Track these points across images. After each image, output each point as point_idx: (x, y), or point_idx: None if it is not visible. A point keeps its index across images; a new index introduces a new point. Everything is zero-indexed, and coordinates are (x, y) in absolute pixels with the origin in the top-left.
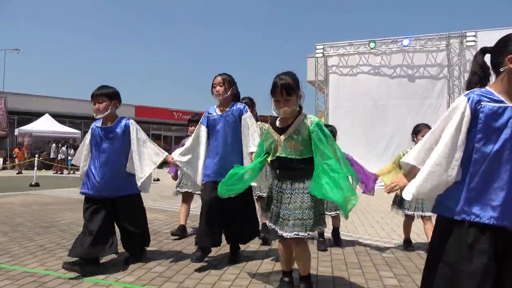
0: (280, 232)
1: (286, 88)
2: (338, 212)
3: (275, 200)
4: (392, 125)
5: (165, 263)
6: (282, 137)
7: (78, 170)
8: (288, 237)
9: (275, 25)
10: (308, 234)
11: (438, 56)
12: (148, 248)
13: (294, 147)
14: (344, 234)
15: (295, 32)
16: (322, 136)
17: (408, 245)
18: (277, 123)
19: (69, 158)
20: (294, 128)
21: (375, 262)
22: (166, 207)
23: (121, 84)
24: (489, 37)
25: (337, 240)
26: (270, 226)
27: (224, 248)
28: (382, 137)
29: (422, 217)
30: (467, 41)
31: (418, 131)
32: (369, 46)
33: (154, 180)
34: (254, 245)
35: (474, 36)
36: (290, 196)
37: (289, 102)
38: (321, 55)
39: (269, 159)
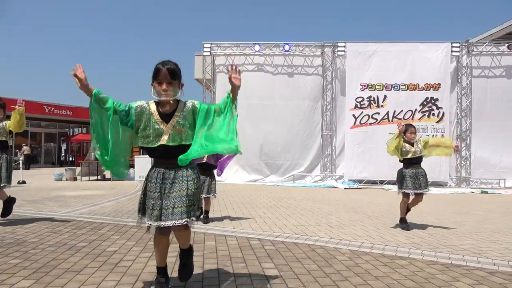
0: (165, 223)
1: (170, 71)
2: (208, 195)
3: (155, 193)
4: (275, 123)
5: (33, 275)
6: (170, 124)
7: None
8: (177, 224)
9: (161, 19)
10: (192, 220)
11: (315, 62)
12: (11, 260)
13: (183, 133)
14: (228, 230)
15: (182, 29)
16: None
17: (403, 223)
18: (160, 109)
19: None
20: (180, 113)
21: (258, 255)
22: (33, 212)
23: None
24: (356, 48)
25: (207, 219)
26: (149, 223)
27: None
28: (265, 135)
29: (416, 194)
30: (338, 50)
31: (406, 130)
32: (254, 48)
33: (18, 182)
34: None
35: (344, 46)
36: (172, 184)
37: (172, 85)
38: (208, 53)
39: (141, 145)
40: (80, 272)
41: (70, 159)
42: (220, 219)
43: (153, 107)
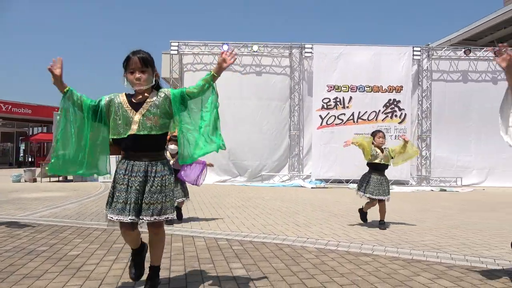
0: (125, 218)
1: (143, 59)
2: (184, 198)
3: (122, 185)
4: (243, 122)
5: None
6: (140, 112)
7: None
8: (155, 221)
9: (127, 17)
10: (168, 217)
11: (283, 62)
12: None
13: (153, 122)
14: (196, 231)
15: (149, 27)
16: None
17: (362, 215)
18: (132, 99)
19: None
20: (151, 101)
21: (226, 255)
22: None
23: None
24: (322, 50)
25: (179, 217)
26: (110, 217)
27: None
28: (233, 135)
29: (379, 200)
30: (305, 52)
31: (375, 134)
32: (222, 48)
33: None
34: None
35: (311, 48)
36: (142, 178)
37: (145, 73)
38: (176, 52)
39: (112, 137)
40: (40, 278)
41: (29, 159)
42: (188, 220)
43: (122, 97)
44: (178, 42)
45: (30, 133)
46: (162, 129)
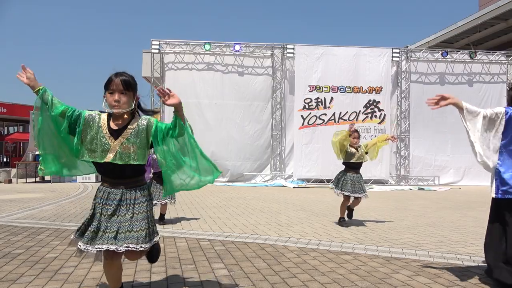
0: (113, 247)
1: (124, 81)
2: (166, 200)
3: (97, 213)
4: (225, 122)
5: None
6: (119, 140)
7: None
8: (120, 251)
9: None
10: (141, 247)
11: (265, 63)
12: None
13: (132, 151)
14: (177, 232)
15: (130, 25)
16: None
17: (342, 221)
18: (111, 123)
19: None
20: (132, 129)
21: (208, 255)
22: None
23: None
24: (304, 51)
25: (162, 219)
26: (91, 248)
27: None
28: (215, 134)
29: (355, 198)
30: (287, 52)
31: (350, 134)
32: (204, 47)
33: None
34: None
35: (293, 48)
36: (117, 207)
37: (125, 95)
38: (157, 51)
39: (86, 158)
40: (16, 281)
41: (5, 160)
42: (169, 220)
43: (103, 119)
44: (159, 41)
45: (5, 133)
46: (140, 159)
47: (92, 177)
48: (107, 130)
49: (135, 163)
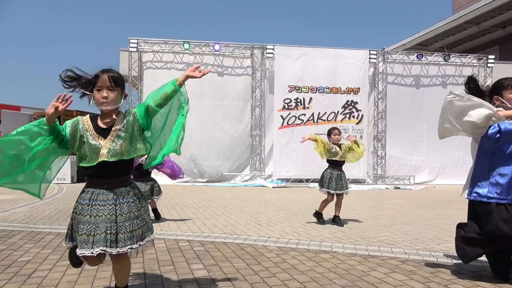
0: (111, 250)
1: (113, 77)
2: (156, 197)
3: (85, 216)
4: (204, 122)
5: None
6: (109, 138)
7: None
8: (122, 252)
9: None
10: (139, 245)
11: (244, 63)
12: None
13: (124, 147)
14: (156, 233)
15: (107, 22)
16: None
17: (319, 217)
18: (99, 122)
19: None
20: (120, 125)
21: (187, 256)
22: None
23: None
24: (284, 51)
25: (157, 216)
26: (87, 252)
27: None
28: (194, 135)
29: (338, 195)
30: (267, 53)
31: (330, 132)
32: (183, 46)
33: None
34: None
35: (273, 49)
36: (111, 207)
37: (113, 92)
38: (135, 49)
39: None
40: None
41: None
42: None
43: (87, 122)
44: (137, 39)
45: None
46: (132, 153)
47: (68, 177)
48: (93, 131)
49: (128, 158)
